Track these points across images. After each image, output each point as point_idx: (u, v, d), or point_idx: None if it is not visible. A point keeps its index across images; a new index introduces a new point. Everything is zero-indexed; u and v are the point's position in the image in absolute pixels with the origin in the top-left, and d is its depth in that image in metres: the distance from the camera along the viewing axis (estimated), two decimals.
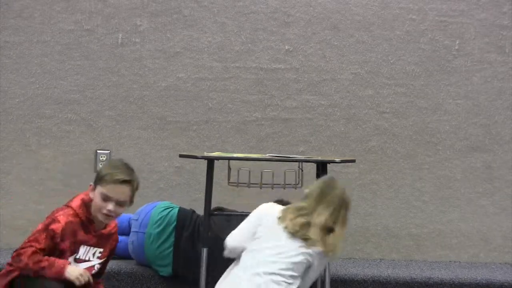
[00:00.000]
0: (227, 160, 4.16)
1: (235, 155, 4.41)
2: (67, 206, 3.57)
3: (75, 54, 4.91)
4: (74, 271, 3.38)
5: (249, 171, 4.17)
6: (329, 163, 4.15)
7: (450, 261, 5.00)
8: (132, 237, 4.37)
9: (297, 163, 4.26)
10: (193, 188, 4.91)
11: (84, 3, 4.90)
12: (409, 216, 4.98)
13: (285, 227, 3.51)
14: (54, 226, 3.46)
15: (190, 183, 4.93)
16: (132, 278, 4.36)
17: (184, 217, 4.34)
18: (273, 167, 4.25)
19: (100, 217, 3.55)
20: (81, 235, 3.54)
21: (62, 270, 3.36)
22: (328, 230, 3.53)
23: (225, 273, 3.67)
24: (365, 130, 4.99)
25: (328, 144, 4.98)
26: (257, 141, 4.96)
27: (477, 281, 4.48)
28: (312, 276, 3.55)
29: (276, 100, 4.98)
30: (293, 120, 4.97)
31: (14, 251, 3.48)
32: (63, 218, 3.49)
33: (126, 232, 4.43)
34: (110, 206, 3.52)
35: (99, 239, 3.62)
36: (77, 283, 3.36)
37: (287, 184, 4.08)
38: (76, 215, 3.52)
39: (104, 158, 4.89)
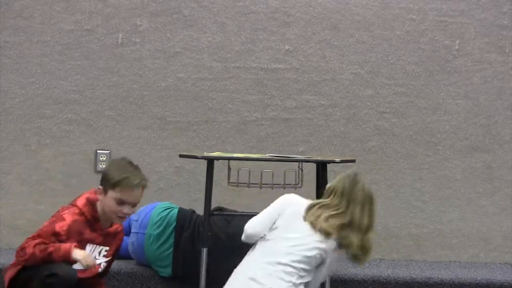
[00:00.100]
0: (227, 160, 4.16)
1: (235, 155, 4.41)
2: (73, 205, 3.58)
3: (75, 54, 4.91)
4: (81, 252, 3.39)
5: (249, 171, 4.17)
6: (329, 163, 4.15)
7: (450, 261, 5.00)
8: (132, 238, 4.37)
9: (297, 163, 4.26)
10: (193, 188, 4.91)
11: (84, 3, 4.90)
12: (409, 216, 4.98)
13: (314, 226, 3.48)
14: (59, 224, 3.47)
15: (190, 183, 4.93)
16: (132, 278, 4.37)
17: (184, 218, 4.34)
18: (273, 167, 4.25)
19: (114, 219, 3.57)
20: (87, 233, 3.55)
21: (69, 251, 3.36)
22: (362, 230, 3.52)
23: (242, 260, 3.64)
24: (365, 130, 4.99)
25: (328, 144, 4.98)
26: (257, 141, 4.96)
27: (477, 281, 4.48)
28: (324, 273, 3.53)
29: (276, 100, 4.98)
30: (293, 120, 4.97)
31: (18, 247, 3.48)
32: (68, 216, 3.51)
33: (126, 232, 4.43)
34: (126, 209, 3.55)
35: (105, 238, 3.63)
36: (84, 263, 3.36)
37: (287, 184, 4.07)
38: (81, 213, 3.53)
39: (104, 158, 4.89)
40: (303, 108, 4.97)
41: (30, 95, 4.89)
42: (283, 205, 3.60)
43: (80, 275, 3.49)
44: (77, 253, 3.37)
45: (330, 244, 3.49)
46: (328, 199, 3.58)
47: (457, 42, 5.02)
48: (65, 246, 3.38)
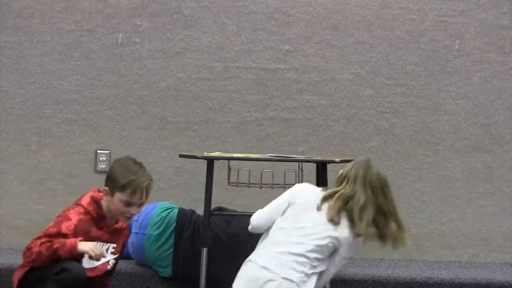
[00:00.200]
0: (227, 160, 4.16)
1: (235, 155, 4.41)
2: (77, 204, 3.58)
3: (75, 54, 4.91)
4: (87, 243, 3.39)
5: (249, 171, 4.17)
6: (329, 163, 4.15)
7: (450, 261, 5.00)
8: (132, 238, 4.37)
9: (297, 163, 4.26)
10: (193, 188, 4.91)
11: (84, 3, 4.90)
12: (409, 216, 4.98)
13: (331, 219, 3.47)
14: (65, 224, 3.46)
15: (190, 183, 4.93)
16: (132, 278, 4.37)
17: (184, 218, 4.34)
18: (273, 167, 4.25)
19: (122, 219, 3.59)
20: (94, 231, 3.55)
21: (74, 245, 3.36)
22: (392, 213, 3.51)
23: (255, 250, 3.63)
24: (365, 130, 4.99)
25: (328, 144, 4.98)
26: (257, 141, 4.96)
27: (477, 281, 4.48)
28: (339, 262, 3.51)
29: (276, 100, 4.98)
30: (293, 120, 4.97)
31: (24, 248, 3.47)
32: (74, 216, 3.50)
33: None
34: (134, 210, 3.56)
35: (111, 235, 3.63)
36: (92, 253, 3.36)
37: (287, 184, 4.07)
38: (87, 212, 3.53)
39: (104, 158, 4.89)
40: (303, 108, 4.97)
41: (30, 95, 4.89)
42: (294, 194, 3.57)
43: (89, 274, 3.49)
44: (83, 246, 3.37)
45: (343, 232, 3.47)
46: (341, 186, 3.55)
47: (457, 42, 5.02)
48: (70, 241, 3.38)
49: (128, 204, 3.53)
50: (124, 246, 3.76)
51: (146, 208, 4.41)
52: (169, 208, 4.39)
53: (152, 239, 4.29)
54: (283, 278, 3.37)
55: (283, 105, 4.98)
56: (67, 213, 3.53)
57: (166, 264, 4.32)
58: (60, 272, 3.32)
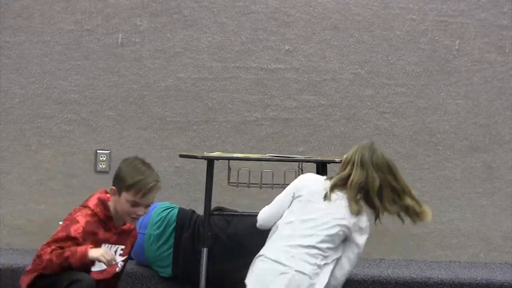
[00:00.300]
0: (227, 160, 4.16)
1: (235, 155, 4.41)
2: (84, 206, 3.54)
3: (75, 54, 4.91)
4: (97, 250, 3.37)
5: (249, 171, 4.17)
6: (329, 163, 4.15)
7: (450, 261, 5.00)
8: None
9: (297, 163, 4.26)
10: (193, 188, 4.91)
11: (84, 3, 4.90)
12: None
13: (351, 208, 3.47)
14: (74, 228, 3.43)
15: (190, 183, 4.93)
16: (132, 278, 4.36)
17: (184, 218, 4.34)
18: (273, 167, 4.25)
19: (128, 220, 3.56)
20: (102, 233, 3.52)
21: (85, 253, 3.33)
22: (406, 192, 3.52)
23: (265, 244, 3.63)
24: (365, 130, 4.99)
25: (328, 144, 4.98)
26: (257, 141, 4.96)
27: (477, 281, 4.48)
28: (354, 252, 3.51)
29: (276, 100, 4.98)
30: (293, 120, 4.97)
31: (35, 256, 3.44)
32: (81, 218, 3.46)
33: None
34: (141, 211, 3.53)
35: (119, 236, 3.60)
36: (103, 260, 3.35)
37: (287, 184, 4.06)
38: (94, 214, 3.51)
39: (104, 158, 4.89)
40: (303, 108, 4.98)
41: (30, 95, 4.89)
42: (298, 187, 3.57)
43: (99, 276, 3.48)
44: (94, 252, 3.35)
45: (352, 218, 3.47)
46: (346, 170, 3.53)
47: (457, 42, 5.03)
48: (81, 248, 3.35)
49: (134, 204, 3.50)
50: (132, 247, 3.74)
51: None
52: (169, 208, 4.39)
53: (152, 238, 4.29)
54: (296, 271, 3.38)
55: (283, 105, 4.98)
56: (75, 215, 3.49)
57: (166, 264, 4.32)
58: (71, 284, 3.31)
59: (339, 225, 3.44)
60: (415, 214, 3.55)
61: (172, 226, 4.31)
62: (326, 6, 4.99)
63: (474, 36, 5.02)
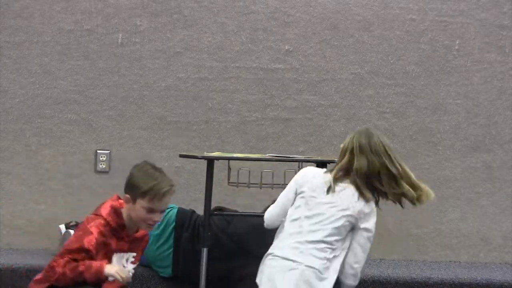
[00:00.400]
0: (227, 160, 4.16)
1: (235, 155, 4.41)
2: (97, 215, 3.50)
3: (75, 54, 4.90)
4: (113, 267, 3.37)
5: (249, 171, 4.17)
6: (329, 163, 4.14)
7: (450, 261, 5.00)
8: None
9: (297, 163, 4.26)
10: (193, 188, 4.91)
11: (84, 3, 4.90)
12: (409, 216, 4.98)
13: (361, 197, 3.49)
14: (87, 239, 3.40)
15: (190, 183, 4.92)
16: (132, 278, 4.35)
17: (184, 217, 4.34)
18: (273, 167, 4.25)
19: (143, 227, 3.53)
20: (114, 243, 3.49)
21: (100, 269, 3.33)
22: (402, 176, 3.52)
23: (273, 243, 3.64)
24: None
25: (328, 144, 4.98)
26: (257, 141, 4.96)
27: (477, 281, 4.49)
28: (364, 234, 3.52)
29: (276, 100, 4.98)
30: (293, 120, 4.97)
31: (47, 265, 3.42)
32: (95, 229, 3.43)
33: None
34: (157, 217, 3.51)
35: (131, 244, 3.57)
36: (119, 277, 3.33)
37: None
38: (107, 224, 3.47)
39: (104, 158, 4.89)
40: (303, 108, 4.97)
41: (30, 95, 4.89)
42: (299, 183, 3.58)
43: (111, 286, 3.46)
44: (110, 269, 3.34)
45: (357, 206, 3.48)
46: (345, 159, 3.54)
47: (457, 42, 5.02)
48: (96, 264, 3.34)
49: (150, 210, 3.47)
50: (143, 251, 3.72)
51: None
52: (168, 208, 4.39)
53: (152, 238, 4.29)
54: (306, 266, 3.40)
55: (283, 105, 4.98)
56: (88, 226, 3.45)
57: (166, 264, 4.32)
58: None
59: (344, 216, 3.46)
60: (413, 198, 3.55)
61: (172, 226, 4.31)
62: (326, 6, 4.98)
63: (474, 36, 5.02)
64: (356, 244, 3.51)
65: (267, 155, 4.45)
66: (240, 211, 4.46)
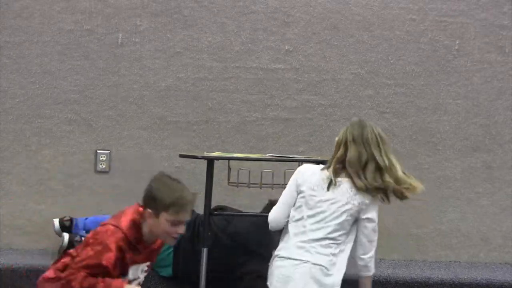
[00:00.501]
0: (227, 160, 4.16)
1: (235, 155, 4.41)
2: (116, 226, 3.41)
3: (75, 54, 4.90)
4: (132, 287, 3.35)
5: (249, 171, 4.17)
6: None
7: (450, 261, 5.00)
8: None
9: (297, 163, 4.26)
10: (193, 188, 4.87)
11: (84, 3, 4.90)
12: (409, 216, 4.98)
13: (361, 188, 3.51)
14: (106, 257, 3.33)
15: (190, 183, 4.89)
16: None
17: None
18: (273, 167, 4.25)
19: (168, 240, 3.46)
20: (130, 257, 3.42)
21: None
22: (388, 169, 3.55)
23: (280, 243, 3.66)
24: None
25: (328, 144, 4.97)
26: (257, 141, 4.96)
27: (477, 281, 4.49)
28: (368, 225, 3.53)
29: (276, 100, 4.98)
30: (293, 120, 4.97)
31: (62, 274, 3.36)
32: (113, 246, 3.35)
33: None
34: (181, 229, 3.42)
35: (147, 255, 3.53)
36: None
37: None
38: (125, 238, 3.39)
39: (104, 158, 4.89)
40: (303, 108, 4.97)
41: (30, 95, 4.89)
42: (298, 182, 3.61)
43: None
44: None
45: (356, 199, 3.50)
46: (340, 151, 3.57)
47: (457, 42, 5.02)
48: (115, 284, 3.31)
49: (175, 223, 3.39)
50: (156, 257, 3.68)
51: None
52: None
53: None
54: (312, 264, 3.45)
55: (283, 105, 4.98)
56: (107, 241, 3.35)
57: (166, 263, 4.32)
58: None
59: (345, 211, 3.50)
60: (397, 193, 3.57)
61: None
62: (326, 6, 4.98)
63: (474, 36, 5.02)
64: (362, 236, 3.55)
65: (267, 155, 4.46)
66: (240, 211, 4.46)
